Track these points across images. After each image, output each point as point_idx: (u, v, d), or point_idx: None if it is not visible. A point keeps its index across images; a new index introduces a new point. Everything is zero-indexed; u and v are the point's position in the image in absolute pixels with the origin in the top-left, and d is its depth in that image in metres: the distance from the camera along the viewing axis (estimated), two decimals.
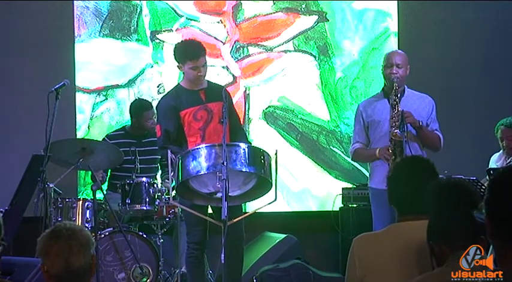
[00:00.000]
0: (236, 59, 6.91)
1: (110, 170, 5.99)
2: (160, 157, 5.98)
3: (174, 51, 5.05)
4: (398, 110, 4.99)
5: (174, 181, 4.64)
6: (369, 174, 5.35)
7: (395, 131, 4.95)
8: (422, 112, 5.19)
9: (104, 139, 6.01)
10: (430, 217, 2.65)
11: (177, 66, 5.02)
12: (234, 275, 4.86)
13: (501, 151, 6.11)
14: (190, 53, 4.93)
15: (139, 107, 6.07)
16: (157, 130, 5.03)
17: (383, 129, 5.13)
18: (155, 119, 6.05)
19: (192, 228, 4.91)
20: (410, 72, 5.22)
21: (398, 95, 5.06)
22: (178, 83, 5.20)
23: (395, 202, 3.01)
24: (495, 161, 6.10)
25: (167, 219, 5.62)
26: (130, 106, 6.16)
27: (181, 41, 5.20)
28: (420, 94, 5.30)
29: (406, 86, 5.24)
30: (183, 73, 5.08)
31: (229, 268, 4.55)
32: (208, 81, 5.08)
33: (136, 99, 6.43)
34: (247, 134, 5.37)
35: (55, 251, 2.49)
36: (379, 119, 5.16)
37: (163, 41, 6.83)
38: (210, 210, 4.91)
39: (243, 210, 5.12)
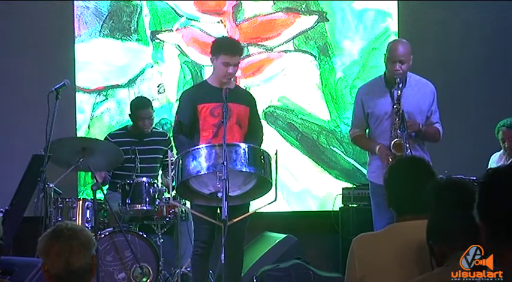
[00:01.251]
0: None
1: (110, 170, 6.00)
2: (162, 157, 5.99)
3: (213, 44, 5.00)
4: (399, 111, 5.00)
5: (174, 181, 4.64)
6: (367, 165, 5.36)
7: (396, 140, 4.96)
8: (424, 104, 5.18)
9: (105, 138, 6.00)
10: (430, 217, 2.65)
11: (210, 58, 4.96)
12: (234, 276, 4.86)
13: (501, 151, 6.11)
14: (227, 47, 4.91)
15: (135, 106, 6.05)
16: (175, 120, 5.07)
17: (383, 125, 5.13)
18: (152, 119, 6.06)
19: (199, 227, 4.90)
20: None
21: (401, 91, 5.06)
22: (205, 79, 5.18)
23: (393, 203, 3.00)
24: (495, 161, 6.10)
25: (167, 219, 5.62)
26: (130, 103, 6.16)
27: (224, 36, 5.17)
28: (422, 81, 5.25)
29: (407, 72, 5.19)
30: (213, 68, 5.01)
31: (229, 268, 4.54)
32: (236, 85, 5.07)
33: (137, 97, 6.41)
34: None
35: (56, 251, 2.49)
36: (379, 113, 5.15)
37: (164, 41, 6.83)
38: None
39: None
